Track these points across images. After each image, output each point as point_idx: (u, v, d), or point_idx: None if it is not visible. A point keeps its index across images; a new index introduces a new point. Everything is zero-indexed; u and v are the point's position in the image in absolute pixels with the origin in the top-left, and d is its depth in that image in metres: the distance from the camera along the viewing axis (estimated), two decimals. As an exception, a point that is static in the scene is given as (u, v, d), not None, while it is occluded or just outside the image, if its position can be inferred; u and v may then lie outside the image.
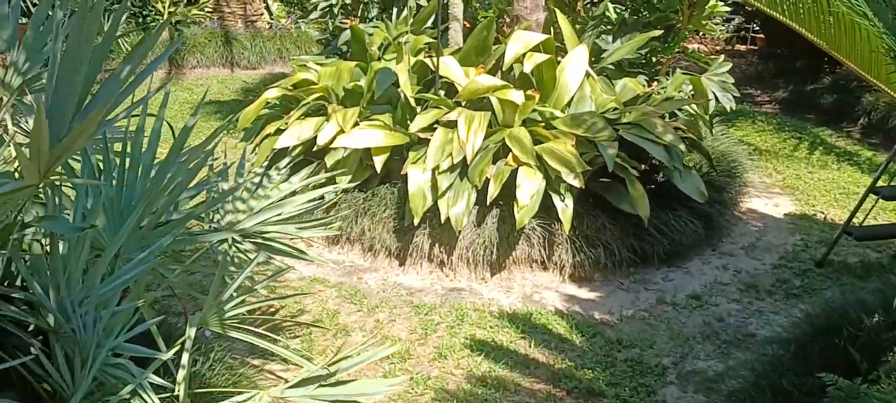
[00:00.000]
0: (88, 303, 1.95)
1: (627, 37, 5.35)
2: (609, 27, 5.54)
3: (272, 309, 3.77)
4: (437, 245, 4.36)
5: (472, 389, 3.22)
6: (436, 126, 4.39)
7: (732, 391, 3.13)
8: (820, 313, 3.14)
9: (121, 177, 2.27)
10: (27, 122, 2.38)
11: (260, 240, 2.67)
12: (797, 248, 4.82)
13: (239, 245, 2.68)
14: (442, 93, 4.68)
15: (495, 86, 4.44)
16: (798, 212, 5.46)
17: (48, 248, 2.01)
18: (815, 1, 3.44)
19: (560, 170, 4.05)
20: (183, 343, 1.98)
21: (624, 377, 3.34)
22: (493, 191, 4.07)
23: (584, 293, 4.19)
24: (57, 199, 1.98)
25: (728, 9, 5.87)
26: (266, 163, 4.73)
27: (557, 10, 5.22)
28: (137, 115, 2.52)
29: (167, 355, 1.90)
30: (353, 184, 4.52)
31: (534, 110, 4.47)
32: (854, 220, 4.56)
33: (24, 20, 2.45)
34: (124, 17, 9.44)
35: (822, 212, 5.44)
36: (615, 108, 4.60)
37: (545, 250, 4.30)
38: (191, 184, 2.64)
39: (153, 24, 10.35)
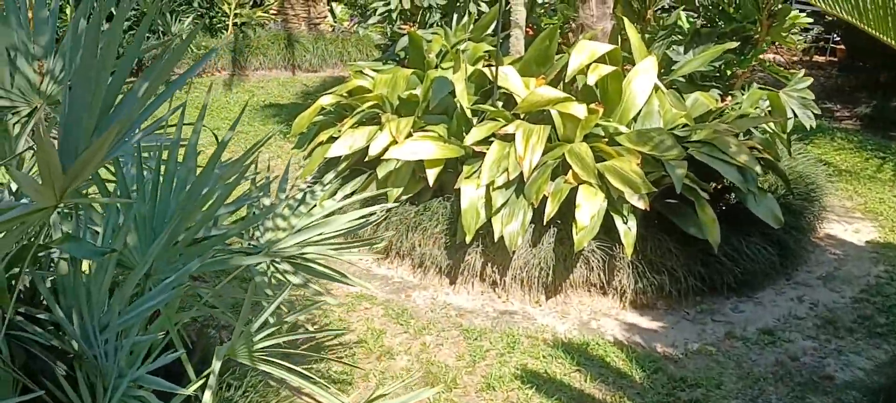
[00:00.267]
0: (111, 330, 1.83)
1: (701, 48, 5.03)
2: (680, 37, 5.23)
3: (315, 324, 3.64)
4: (489, 264, 4.16)
5: (521, 425, 3.01)
6: (492, 139, 4.19)
7: (810, 445, 2.83)
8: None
9: (154, 191, 2.16)
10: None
11: (299, 262, 2.52)
12: (881, 281, 4.40)
13: (278, 265, 2.54)
14: (500, 104, 4.48)
15: (556, 98, 4.21)
16: (881, 240, 5.01)
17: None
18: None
19: (623, 189, 3.79)
20: (207, 377, 1.85)
21: (688, 421, 3.07)
22: (550, 209, 3.84)
23: (646, 322, 3.92)
24: (80, 217, 1.87)
25: (810, 20, 5.48)
26: (315, 172, 4.63)
27: (626, 19, 4.94)
28: (186, 124, 2.42)
29: (189, 390, 1.77)
30: (404, 197, 4.37)
31: (597, 125, 4.22)
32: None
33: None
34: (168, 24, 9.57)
35: (910, 241, 4.98)
36: (685, 125, 4.30)
37: (605, 274, 4.05)
38: (229, 199, 2.52)
39: (220, 25, 10.49)
